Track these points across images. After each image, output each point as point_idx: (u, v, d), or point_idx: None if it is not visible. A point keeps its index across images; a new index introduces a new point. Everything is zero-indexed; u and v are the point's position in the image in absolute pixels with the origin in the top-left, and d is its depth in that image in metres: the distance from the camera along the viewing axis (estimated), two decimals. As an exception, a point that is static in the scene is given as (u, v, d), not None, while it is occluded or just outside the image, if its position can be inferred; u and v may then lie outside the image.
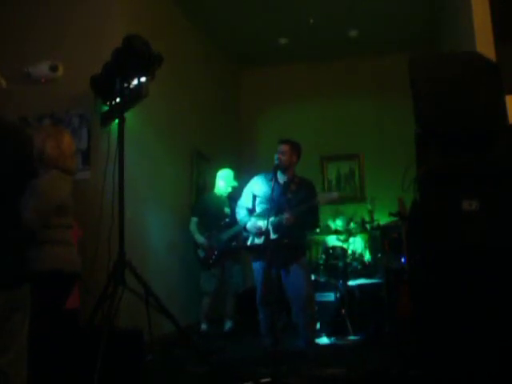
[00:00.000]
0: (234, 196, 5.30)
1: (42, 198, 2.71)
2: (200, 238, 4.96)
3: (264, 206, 4.10)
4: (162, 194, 5.02)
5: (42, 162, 2.85)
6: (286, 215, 3.93)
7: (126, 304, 3.50)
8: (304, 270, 4.12)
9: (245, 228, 4.19)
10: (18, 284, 2.01)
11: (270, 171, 4.12)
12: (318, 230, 5.48)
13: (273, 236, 3.96)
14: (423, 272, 2.57)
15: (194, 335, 4.75)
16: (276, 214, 3.97)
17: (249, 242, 4.17)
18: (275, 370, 3.09)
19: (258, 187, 4.22)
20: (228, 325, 5.08)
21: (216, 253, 4.89)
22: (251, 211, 4.22)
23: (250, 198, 4.24)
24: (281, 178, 4.20)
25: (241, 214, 4.25)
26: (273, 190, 3.81)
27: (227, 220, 5.05)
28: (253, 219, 4.14)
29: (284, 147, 4.15)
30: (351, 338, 4.59)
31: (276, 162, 4.08)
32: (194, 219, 5.09)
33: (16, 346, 1.97)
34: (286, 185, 4.16)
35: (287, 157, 4.13)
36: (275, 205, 3.97)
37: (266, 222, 3.81)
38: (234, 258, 5.09)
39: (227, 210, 5.14)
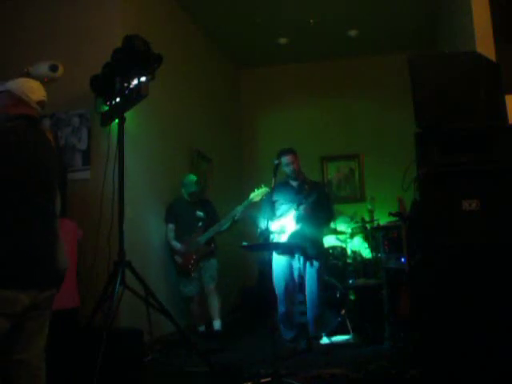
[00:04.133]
0: (207, 198, 5.26)
1: None
2: (177, 245, 4.86)
3: (285, 206, 4.38)
4: (162, 194, 5.02)
5: None
6: (303, 206, 4.25)
7: (125, 304, 3.50)
8: (319, 269, 4.36)
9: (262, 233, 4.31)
10: (61, 282, 2.19)
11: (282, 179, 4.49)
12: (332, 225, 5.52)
13: (296, 227, 4.26)
14: (423, 272, 2.57)
15: (193, 335, 4.74)
16: (297, 208, 4.29)
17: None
18: (275, 369, 3.09)
19: (275, 193, 4.44)
20: (217, 325, 4.97)
21: (195, 257, 4.83)
22: (271, 217, 4.40)
23: (269, 207, 4.46)
24: (294, 183, 4.53)
25: (262, 223, 4.40)
26: (274, 187, 3.94)
27: (201, 223, 4.95)
28: (276, 221, 4.37)
29: (291, 157, 4.44)
30: (351, 337, 4.59)
31: (275, 162, 4.15)
32: (171, 226, 4.95)
33: (42, 341, 2.14)
34: (301, 186, 4.48)
35: (296, 164, 4.46)
36: (294, 201, 4.33)
37: (288, 219, 4.28)
38: (209, 255, 4.95)
39: (199, 213, 5.01)
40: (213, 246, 4.99)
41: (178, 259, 4.86)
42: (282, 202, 4.42)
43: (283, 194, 4.43)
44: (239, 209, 4.78)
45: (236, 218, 4.83)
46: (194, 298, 4.87)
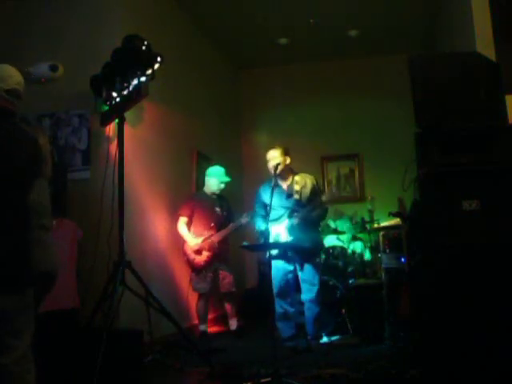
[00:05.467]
0: (225, 196, 5.27)
1: None
2: (192, 240, 4.84)
3: (277, 212, 4.30)
4: (162, 194, 5.01)
5: None
6: (294, 220, 4.20)
7: (126, 304, 3.50)
8: (316, 269, 4.36)
9: (262, 233, 4.31)
10: (26, 286, 2.04)
11: (271, 178, 4.22)
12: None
13: (289, 238, 4.23)
14: (423, 272, 2.57)
15: (193, 335, 4.74)
16: (289, 217, 4.25)
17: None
18: (275, 369, 3.09)
19: (265, 196, 4.42)
20: (233, 324, 5.06)
21: (209, 255, 4.85)
22: (265, 217, 4.33)
23: (262, 206, 4.46)
24: (283, 182, 4.40)
25: (258, 222, 4.47)
26: (272, 195, 3.83)
27: (217, 220, 4.96)
28: (272, 226, 4.28)
29: (274, 153, 4.32)
30: (351, 337, 4.59)
31: (272, 170, 4.17)
32: (183, 219, 4.92)
33: (22, 346, 2.00)
34: (290, 189, 4.35)
35: (279, 160, 4.23)
36: (284, 206, 4.27)
37: (281, 227, 4.23)
38: (225, 259, 5.00)
39: (217, 209, 5.02)
40: (226, 246, 5.00)
41: (192, 255, 4.86)
42: (274, 207, 4.21)
43: (273, 197, 4.12)
44: (246, 216, 4.82)
45: (242, 224, 4.87)
46: (203, 295, 4.89)
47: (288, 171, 4.39)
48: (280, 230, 4.28)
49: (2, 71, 2.19)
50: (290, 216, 4.24)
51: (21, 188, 2.08)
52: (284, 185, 4.39)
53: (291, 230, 4.22)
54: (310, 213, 4.25)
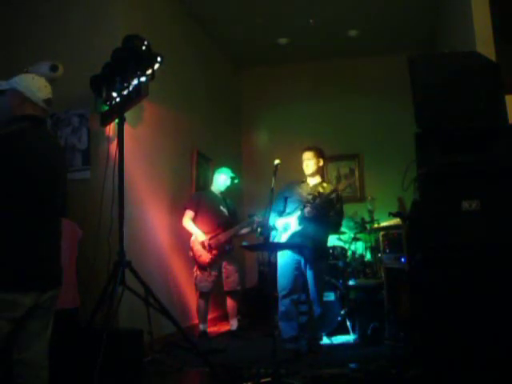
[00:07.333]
0: (229, 196, 5.32)
1: None
2: (202, 236, 4.87)
3: (294, 204, 4.37)
4: (162, 194, 5.01)
5: None
6: (307, 208, 4.20)
7: (126, 304, 3.50)
8: (319, 271, 4.35)
9: (274, 227, 4.41)
10: (59, 284, 2.21)
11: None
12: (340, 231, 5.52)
13: (298, 227, 4.23)
14: (423, 272, 2.57)
15: (193, 335, 4.75)
16: (302, 209, 4.26)
17: (275, 239, 4.35)
18: (275, 369, 3.09)
19: (289, 189, 4.53)
20: (234, 324, 5.07)
21: (215, 253, 4.85)
22: (282, 213, 4.43)
23: (282, 203, 4.48)
24: (311, 181, 4.53)
25: (272, 218, 4.45)
26: (272, 188, 3.84)
27: (223, 220, 5.00)
28: (282, 218, 4.38)
29: (307, 154, 4.49)
30: (351, 337, 4.59)
31: (275, 162, 4.15)
32: (190, 212, 4.96)
33: (43, 343, 2.11)
34: (315, 186, 4.46)
35: (313, 162, 4.45)
36: (302, 200, 4.31)
37: (293, 218, 4.23)
38: (231, 257, 5.04)
39: (223, 209, 5.09)
40: (231, 246, 5.02)
41: (199, 251, 4.86)
42: (293, 199, 4.40)
43: (295, 191, 4.44)
44: (257, 217, 4.83)
45: (255, 227, 4.86)
46: (204, 294, 4.88)
47: (318, 173, 4.52)
48: (290, 221, 4.29)
49: (37, 82, 2.31)
50: (303, 207, 4.24)
51: (58, 190, 2.26)
52: (311, 183, 4.49)
53: (301, 219, 4.21)
54: (325, 211, 4.24)
